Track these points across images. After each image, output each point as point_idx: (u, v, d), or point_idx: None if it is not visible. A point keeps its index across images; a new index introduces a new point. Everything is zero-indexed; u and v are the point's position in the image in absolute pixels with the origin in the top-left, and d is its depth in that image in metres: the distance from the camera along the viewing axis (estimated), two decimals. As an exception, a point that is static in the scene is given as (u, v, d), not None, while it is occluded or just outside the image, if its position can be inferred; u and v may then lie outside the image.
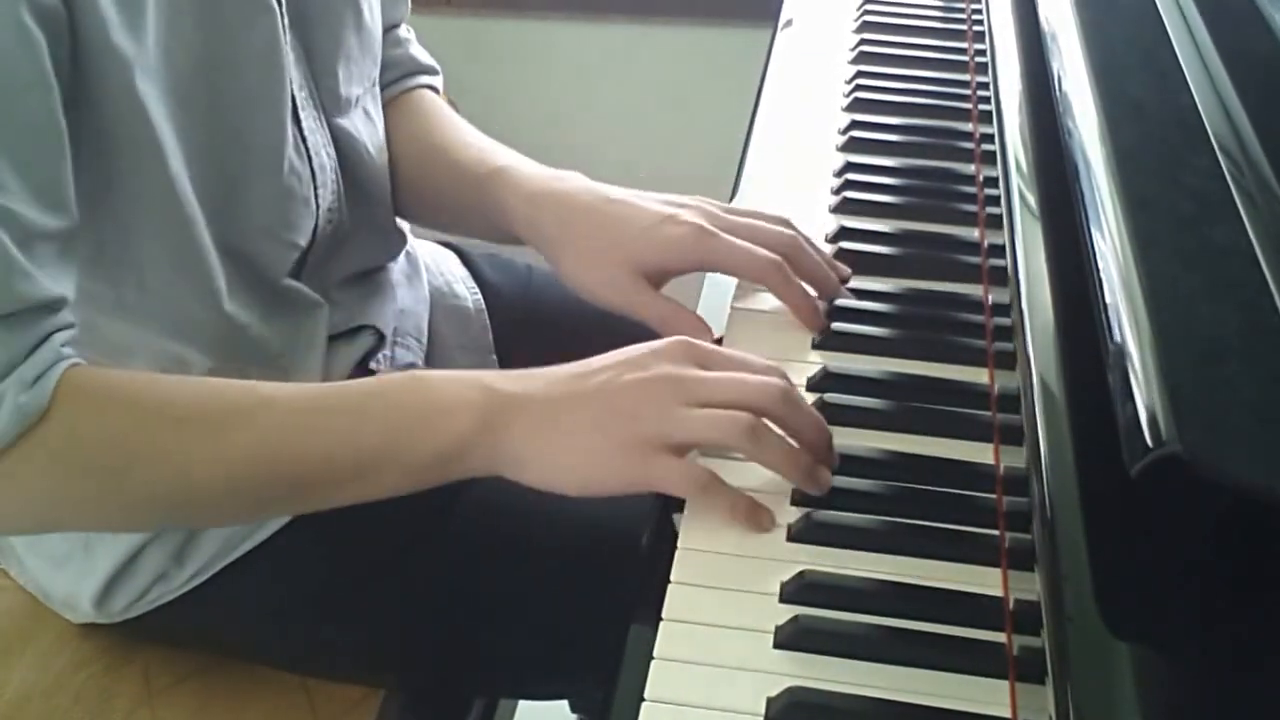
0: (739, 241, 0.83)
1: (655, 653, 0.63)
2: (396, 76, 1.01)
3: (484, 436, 0.71)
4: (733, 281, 0.89)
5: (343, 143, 0.89)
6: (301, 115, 0.85)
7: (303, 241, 0.86)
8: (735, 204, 0.97)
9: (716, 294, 0.90)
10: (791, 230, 0.85)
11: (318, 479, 0.73)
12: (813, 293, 0.84)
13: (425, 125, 1.00)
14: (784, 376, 0.72)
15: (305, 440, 0.71)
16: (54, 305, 0.70)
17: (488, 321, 1.07)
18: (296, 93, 0.84)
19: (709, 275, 0.92)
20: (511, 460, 0.71)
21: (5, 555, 0.93)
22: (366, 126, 0.93)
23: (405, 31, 1.03)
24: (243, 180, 0.81)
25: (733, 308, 0.87)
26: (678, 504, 0.71)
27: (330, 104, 0.88)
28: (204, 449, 0.71)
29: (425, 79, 1.04)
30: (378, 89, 0.96)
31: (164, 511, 0.75)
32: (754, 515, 0.69)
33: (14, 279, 0.67)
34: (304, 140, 0.85)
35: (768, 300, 0.86)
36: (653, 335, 1.07)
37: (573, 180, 0.89)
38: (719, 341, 0.83)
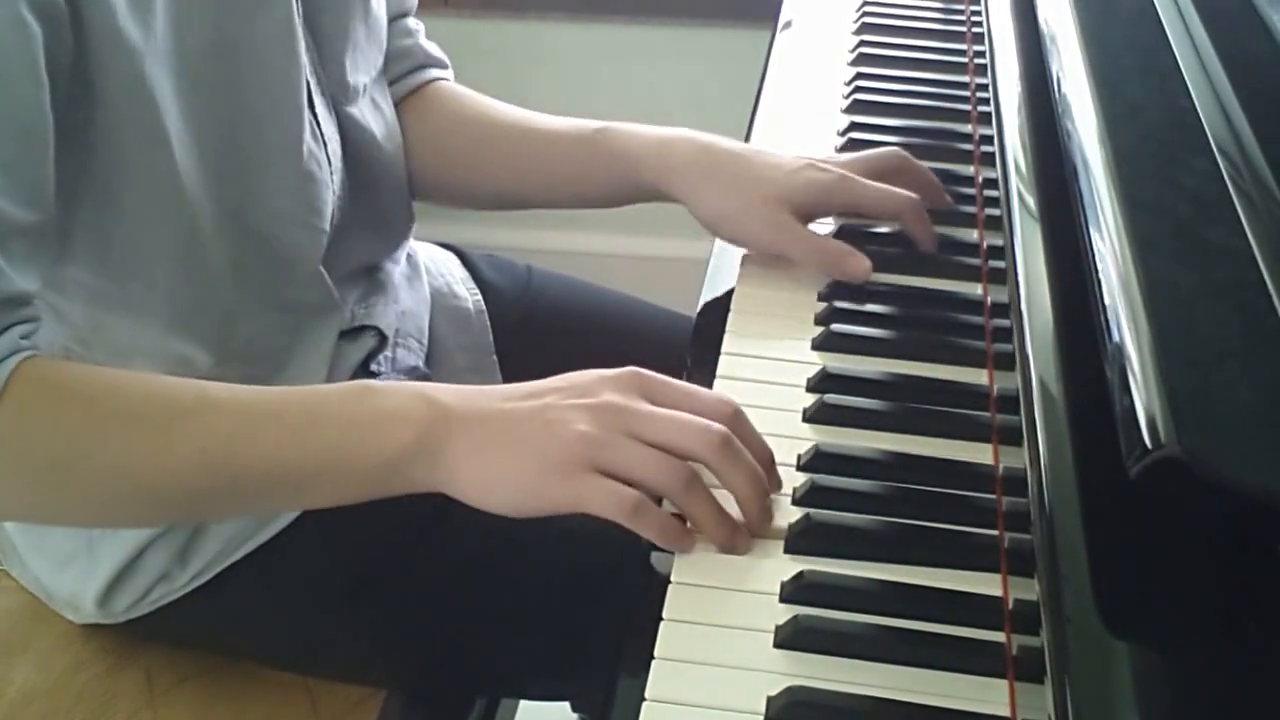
0: (878, 188, 0.88)
1: (656, 652, 0.63)
2: (411, 68, 1.01)
3: (420, 450, 0.70)
4: (737, 262, 0.91)
5: (350, 131, 0.90)
6: (315, 101, 0.85)
7: (327, 226, 0.87)
8: (715, 255, 0.97)
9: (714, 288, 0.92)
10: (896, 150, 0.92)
11: (258, 484, 0.72)
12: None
13: (475, 109, 1.01)
14: (735, 414, 0.71)
15: (248, 445, 0.71)
16: (19, 300, 0.70)
17: (488, 322, 1.08)
18: (309, 79, 0.84)
19: (714, 257, 0.94)
20: (447, 477, 0.71)
21: (8, 556, 0.93)
22: (374, 115, 0.93)
23: (414, 23, 1.03)
24: (262, 166, 0.81)
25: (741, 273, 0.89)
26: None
27: (338, 92, 0.88)
28: (148, 447, 0.70)
29: (439, 72, 1.04)
30: (384, 79, 0.97)
31: (108, 507, 0.74)
32: (682, 538, 0.68)
33: None
34: (319, 126, 0.86)
35: (773, 282, 0.89)
36: (653, 333, 1.08)
37: (684, 130, 0.92)
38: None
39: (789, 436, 0.75)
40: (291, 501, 0.75)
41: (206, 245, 0.80)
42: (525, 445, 0.69)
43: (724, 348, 0.83)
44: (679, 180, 0.90)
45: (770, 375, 0.81)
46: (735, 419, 0.71)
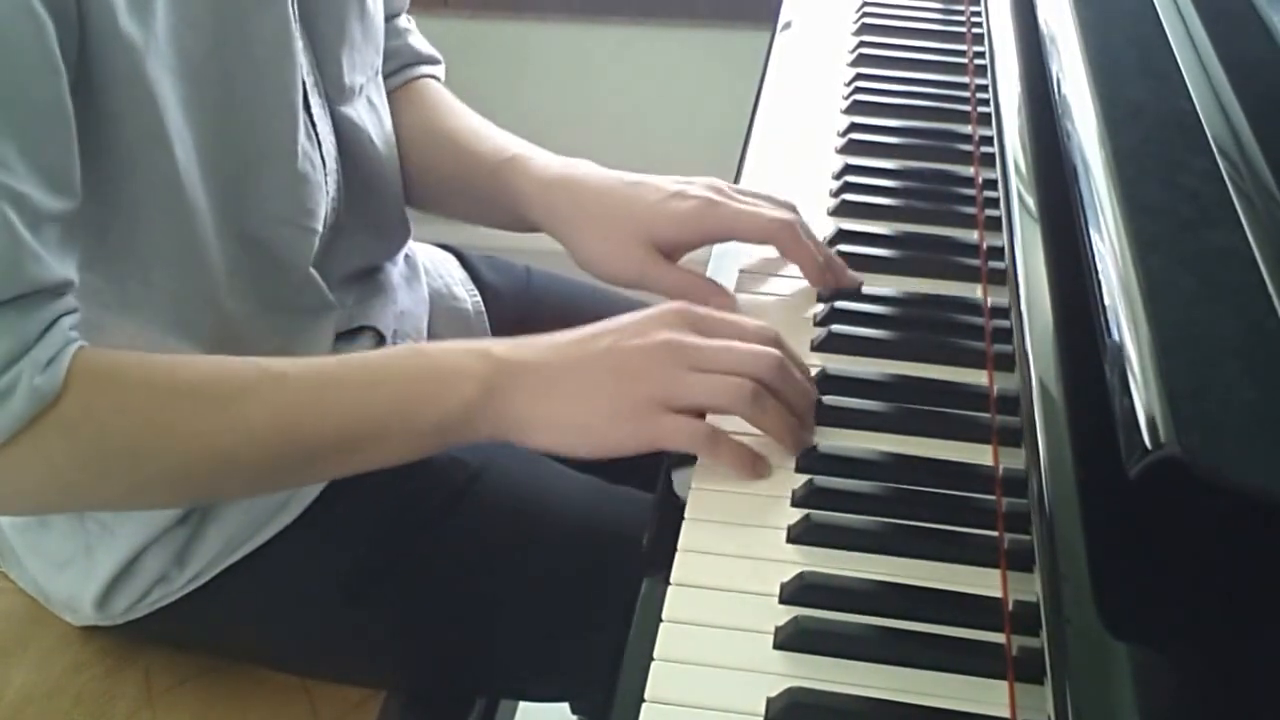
0: (746, 207, 0.87)
1: (655, 653, 0.63)
2: (398, 66, 1.02)
3: (488, 402, 0.73)
4: (736, 265, 0.91)
5: (345, 131, 0.90)
6: (311, 101, 0.85)
7: (320, 228, 0.87)
8: (717, 259, 0.97)
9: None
10: (794, 210, 0.89)
11: (328, 450, 0.74)
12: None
13: (432, 114, 1.02)
14: (778, 340, 0.75)
15: (315, 413, 0.73)
16: (61, 289, 0.71)
17: (488, 324, 1.08)
18: (305, 78, 0.84)
19: (714, 259, 0.94)
20: (516, 424, 0.73)
21: (5, 558, 0.93)
22: (370, 115, 0.93)
23: (405, 22, 1.03)
24: (256, 166, 0.82)
25: (735, 294, 0.89)
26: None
27: (334, 92, 0.88)
28: (217, 424, 0.72)
29: (427, 69, 1.05)
30: (381, 79, 0.97)
31: (179, 487, 0.76)
32: (756, 463, 0.73)
33: (25, 262, 0.68)
34: (314, 126, 0.86)
35: (772, 284, 0.89)
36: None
37: (584, 166, 0.93)
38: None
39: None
40: (365, 460, 0.77)
41: (203, 245, 0.80)
42: (594, 390, 0.72)
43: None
44: (556, 227, 0.92)
45: (770, 376, 0.80)
46: (779, 342, 0.75)
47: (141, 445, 0.72)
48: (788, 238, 0.86)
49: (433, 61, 1.05)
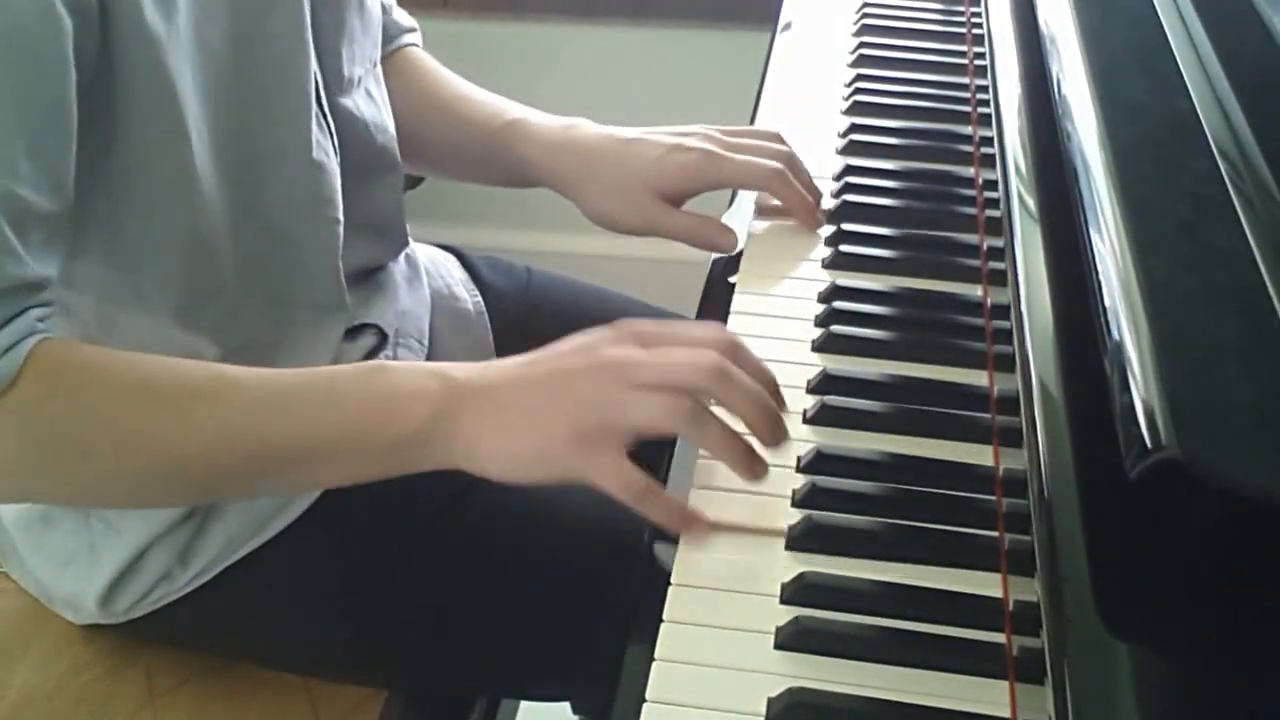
0: (742, 157, 0.93)
1: (656, 654, 0.63)
2: (383, 40, 1.03)
3: (440, 425, 0.72)
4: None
5: (343, 122, 0.90)
6: (320, 92, 0.86)
7: (341, 217, 0.88)
8: (734, 207, 0.98)
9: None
10: (784, 144, 0.96)
11: (277, 462, 0.74)
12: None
13: (422, 81, 1.05)
14: (730, 344, 0.73)
15: (267, 423, 0.73)
16: (36, 285, 0.71)
17: (488, 324, 1.08)
18: (315, 70, 0.85)
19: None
20: (465, 450, 0.72)
21: (7, 558, 0.93)
22: (368, 105, 0.93)
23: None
24: (274, 157, 0.82)
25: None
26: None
27: (334, 83, 0.89)
28: (170, 426, 0.72)
29: (407, 37, 1.07)
30: (379, 70, 0.97)
31: (132, 486, 0.75)
32: (688, 521, 0.70)
33: (2, 261, 0.68)
34: (324, 116, 0.86)
35: (772, 285, 0.90)
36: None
37: (585, 126, 0.99)
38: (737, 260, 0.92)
39: (789, 438, 0.75)
40: (312, 479, 0.77)
41: (217, 239, 0.80)
42: (537, 415, 0.71)
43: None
44: (564, 186, 0.98)
45: (770, 376, 0.80)
46: (731, 347, 0.73)
47: (90, 442, 0.72)
48: (781, 184, 0.93)
49: (411, 30, 1.08)
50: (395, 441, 0.73)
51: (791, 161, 0.94)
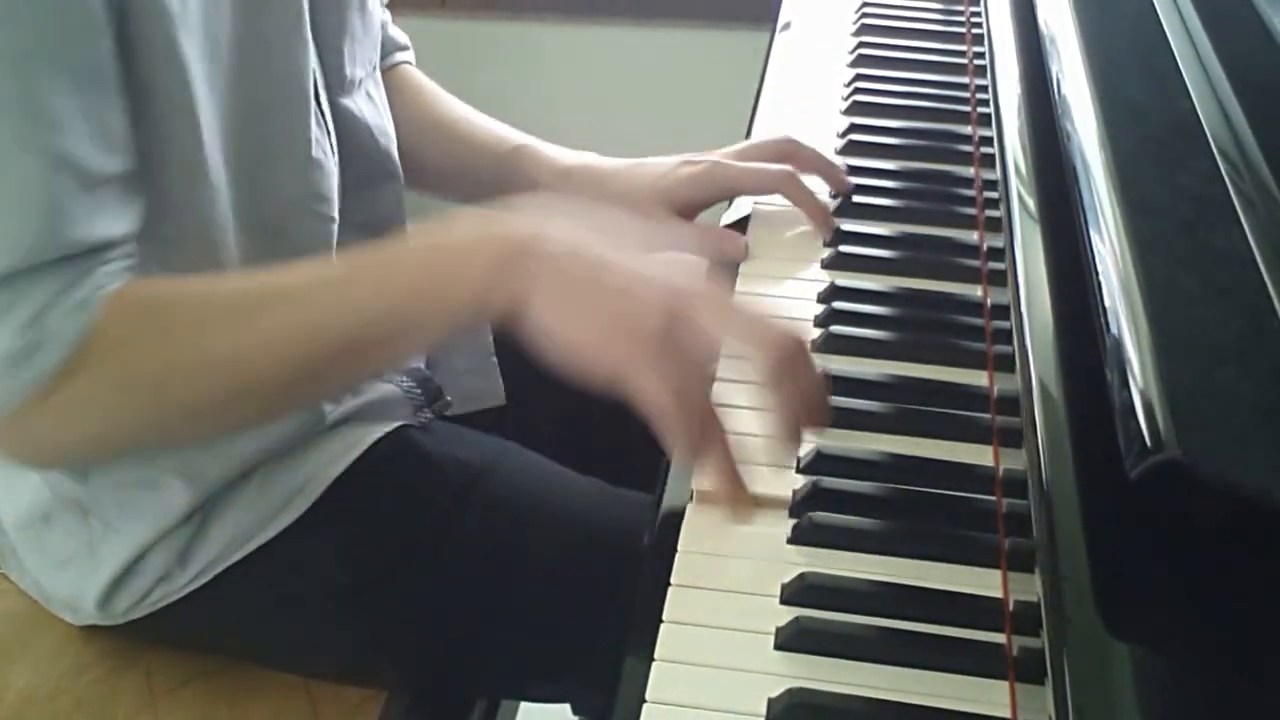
0: (749, 163, 0.94)
1: (656, 654, 0.63)
2: (381, 55, 1.03)
3: (498, 289, 0.69)
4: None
5: (344, 123, 0.90)
6: (319, 91, 0.86)
7: (336, 215, 0.88)
8: (734, 209, 0.98)
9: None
10: (792, 143, 0.97)
11: (360, 342, 0.73)
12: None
13: (418, 99, 1.05)
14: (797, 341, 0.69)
15: (342, 305, 0.72)
16: (105, 245, 0.71)
17: (488, 324, 1.08)
18: (314, 69, 0.85)
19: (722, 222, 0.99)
20: (522, 313, 0.68)
21: (6, 559, 0.93)
22: (369, 107, 0.93)
23: (383, 13, 1.05)
24: (272, 152, 0.82)
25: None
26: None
27: (334, 83, 0.89)
28: (249, 335, 0.72)
29: (401, 55, 1.07)
30: (378, 73, 0.97)
31: (226, 409, 0.76)
32: (735, 487, 0.67)
33: (67, 225, 0.69)
34: (323, 115, 0.86)
35: (772, 285, 0.90)
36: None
37: (590, 155, 1.00)
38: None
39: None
40: (396, 351, 0.78)
41: (222, 230, 0.80)
42: (603, 306, 0.67)
43: (723, 350, 0.83)
44: None
45: (770, 377, 0.80)
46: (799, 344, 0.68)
47: (176, 372, 0.72)
48: (792, 186, 0.94)
49: (406, 48, 1.08)
50: (459, 300, 0.72)
51: (796, 147, 0.96)
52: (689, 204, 0.95)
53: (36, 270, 0.69)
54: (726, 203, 1.00)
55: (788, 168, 0.94)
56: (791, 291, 0.89)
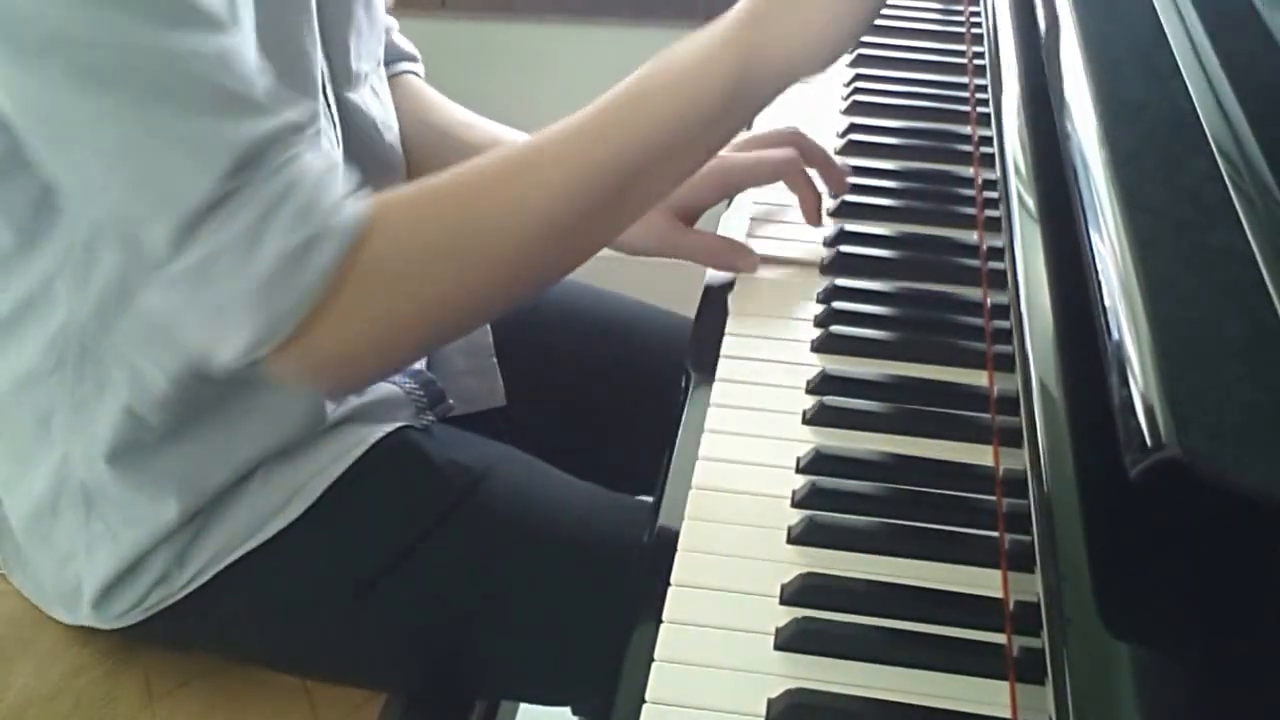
0: (749, 155, 0.92)
1: (656, 654, 0.63)
2: (384, 61, 1.02)
3: (750, 70, 0.74)
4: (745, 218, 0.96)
5: (349, 117, 0.90)
6: (326, 84, 0.85)
7: None
8: (733, 210, 0.98)
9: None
10: (794, 133, 0.96)
11: (630, 169, 0.75)
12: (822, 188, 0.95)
13: (419, 107, 1.03)
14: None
15: (597, 144, 0.75)
16: (300, 128, 0.71)
17: (488, 324, 1.08)
18: (321, 62, 0.85)
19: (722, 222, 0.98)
20: (789, 63, 0.75)
21: (8, 560, 0.92)
22: (374, 102, 0.93)
23: (390, 20, 1.04)
24: None
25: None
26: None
27: (341, 77, 0.89)
28: (520, 194, 0.73)
29: (408, 65, 1.06)
30: (383, 69, 0.97)
31: (518, 270, 0.76)
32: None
33: (259, 105, 0.69)
34: (330, 108, 0.86)
35: (773, 283, 0.90)
36: (653, 335, 1.08)
37: None
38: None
39: (788, 439, 0.75)
40: (678, 165, 0.78)
41: None
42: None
43: (723, 350, 0.83)
44: None
45: (769, 377, 0.81)
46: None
47: (467, 246, 0.72)
48: (795, 171, 0.93)
49: (413, 59, 1.07)
50: (719, 100, 0.74)
51: (799, 137, 0.95)
52: (691, 207, 0.94)
53: (266, 161, 0.68)
54: (725, 201, 1.00)
55: (792, 152, 0.93)
56: (791, 291, 0.89)
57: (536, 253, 0.75)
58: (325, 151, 0.73)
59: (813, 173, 0.96)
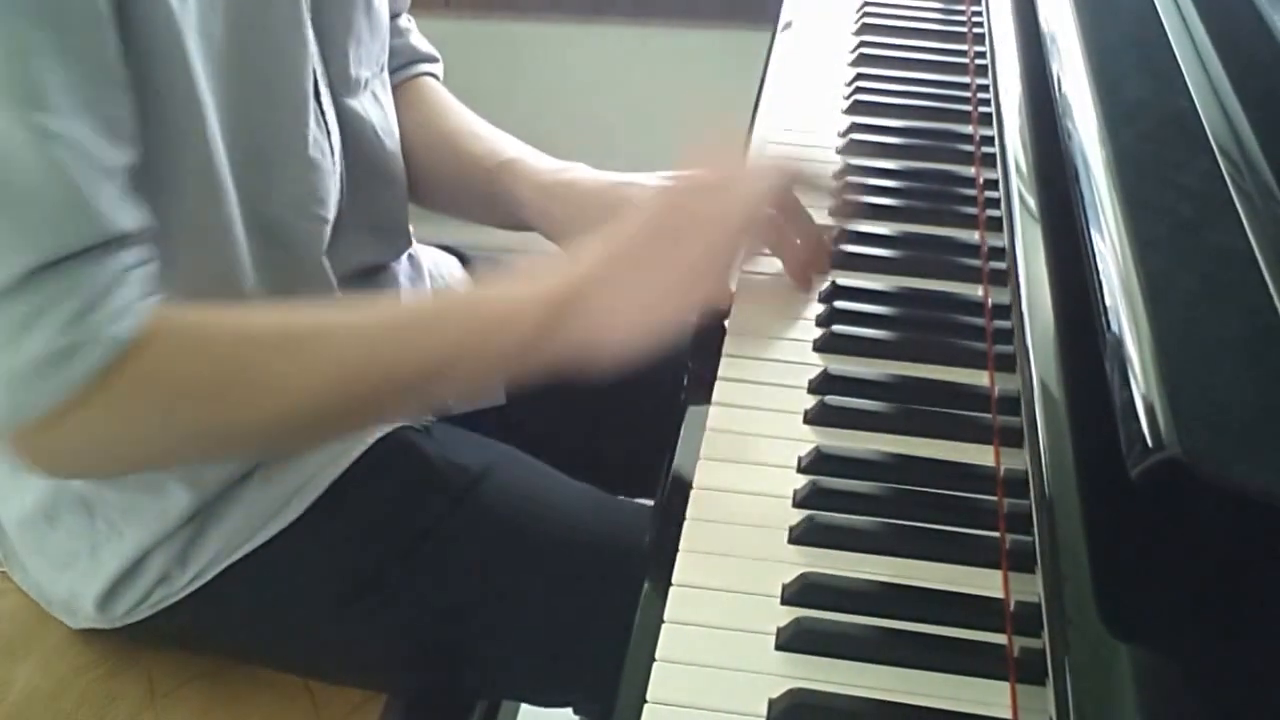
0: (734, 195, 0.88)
1: (656, 654, 0.63)
2: (399, 64, 1.03)
3: (546, 337, 0.74)
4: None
5: (349, 123, 0.90)
6: (320, 90, 0.85)
7: (330, 216, 0.87)
8: None
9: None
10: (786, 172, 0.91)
11: (398, 384, 0.76)
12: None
13: (430, 113, 1.03)
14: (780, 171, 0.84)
15: (381, 351, 0.75)
16: (130, 239, 0.70)
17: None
18: (315, 68, 0.85)
19: None
20: (580, 350, 0.74)
21: (9, 560, 0.93)
22: (374, 109, 0.93)
23: (406, 21, 1.05)
24: (270, 152, 0.82)
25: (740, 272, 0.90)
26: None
27: (339, 84, 0.89)
28: (292, 369, 0.73)
29: (426, 67, 1.06)
30: (386, 74, 0.97)
31: (260, 434, 0.76)
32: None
33: (87, 212, 0.68)
34: (323, 115, 0.86)
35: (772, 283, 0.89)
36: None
37: (579, 169, 0.96)
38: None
39: (790, 439, 0.75)
40: (436, 393, 0.81)
41: (229, 228, 0.80)
42: (659, 283, 0.75)
43: (724, 349, 0.83)
44: (553, 230, 0.96)
45: (771, 377, 0.81)
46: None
47: (214, 398, 0.72)
48: (773, 236, 0.88)
49: (431, 60, 1.07)
50: (503, 358, 0.76)
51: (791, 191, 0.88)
52: None
53: (65, 265, 0.67)
54: None
55: (770, 214, 0.85)
56: (791, 290, 0.88)
57: (294, 424, 0.75)
58: (143, 255, 0.72)
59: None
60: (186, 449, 0.77)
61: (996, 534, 0.68)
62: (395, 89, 1.01)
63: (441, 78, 1.07)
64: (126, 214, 0.70)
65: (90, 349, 0.68)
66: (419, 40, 1.06)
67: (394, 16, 1.01)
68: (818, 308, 0.86)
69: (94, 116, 0.68)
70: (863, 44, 1.17)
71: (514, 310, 0.75)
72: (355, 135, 0.90)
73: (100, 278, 0.68)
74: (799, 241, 0.87)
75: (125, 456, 0.76)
